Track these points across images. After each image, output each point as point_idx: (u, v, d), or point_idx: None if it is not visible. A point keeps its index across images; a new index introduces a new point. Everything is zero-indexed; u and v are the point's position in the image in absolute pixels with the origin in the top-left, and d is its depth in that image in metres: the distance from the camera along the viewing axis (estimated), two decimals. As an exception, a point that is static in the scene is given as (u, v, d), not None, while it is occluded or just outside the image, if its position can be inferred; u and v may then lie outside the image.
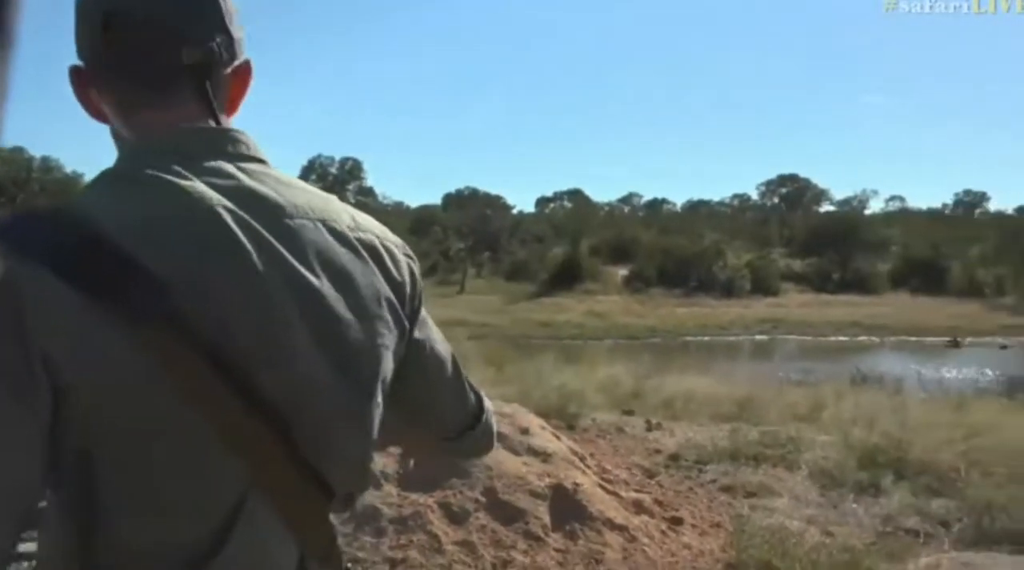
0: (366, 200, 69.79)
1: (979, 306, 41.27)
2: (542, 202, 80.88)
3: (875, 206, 78.59)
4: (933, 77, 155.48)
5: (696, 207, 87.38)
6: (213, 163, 0.87)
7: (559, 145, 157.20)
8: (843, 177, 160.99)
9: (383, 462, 3.72)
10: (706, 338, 36.18)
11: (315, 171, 69.61)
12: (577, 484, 3.94)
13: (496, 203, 66.31)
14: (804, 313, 42.24)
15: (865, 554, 4.13)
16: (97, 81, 0.91)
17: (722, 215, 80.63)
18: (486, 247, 52.98)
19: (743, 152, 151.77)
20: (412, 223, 64.77)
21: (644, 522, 3.99)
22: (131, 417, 0.79)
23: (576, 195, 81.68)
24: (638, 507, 4.16)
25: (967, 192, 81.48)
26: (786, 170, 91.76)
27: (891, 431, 5.91)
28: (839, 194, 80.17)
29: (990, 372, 21.54)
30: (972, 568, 4.21)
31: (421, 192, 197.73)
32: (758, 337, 37.27)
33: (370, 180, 79.95)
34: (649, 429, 6.23)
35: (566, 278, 46.58)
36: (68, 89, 0.94)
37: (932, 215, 72.84)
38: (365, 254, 0.92)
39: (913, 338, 35.79)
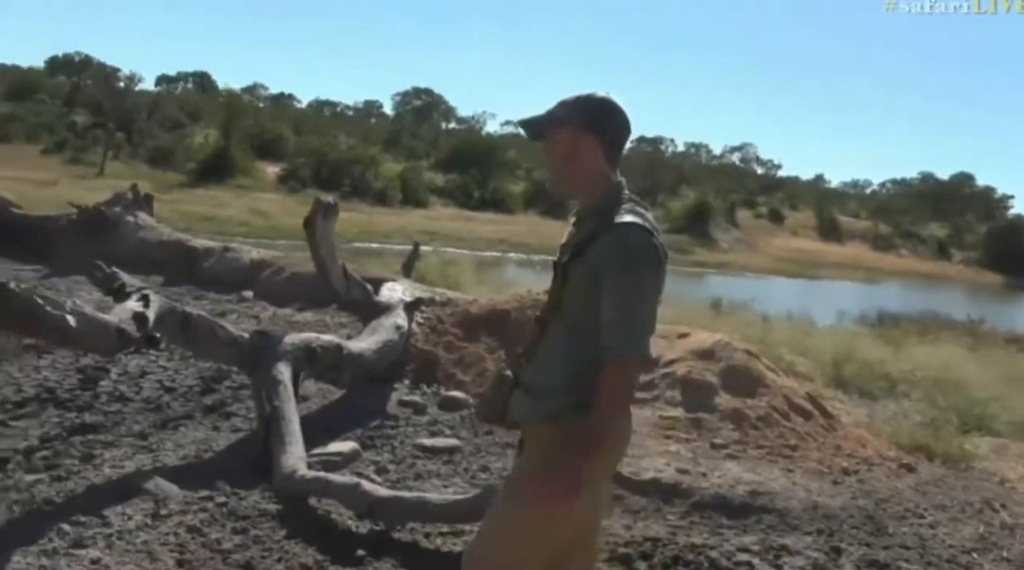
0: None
1: (595, 229, 47.39)
2: (164, 81, 74.30)
3: (491, 128, 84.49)
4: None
5: (322, 107, 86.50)
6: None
7: (186, 19, 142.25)
8: (468, 95, 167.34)
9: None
10: (374, 245, 37.20)
11: None
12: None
13: (116, 76, 59.72)
14: (455, 227, 45.03)
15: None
16: (606, 151, 2.25)
17: (348, 118, 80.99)
18: (117, 126, 47.84)
19: (376, 59, 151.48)
20: (10, 86, 56.08)
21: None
22: None
23: (202, 78, 76.31)
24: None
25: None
26: (420, 83, 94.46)
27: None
28: (463, 113, 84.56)
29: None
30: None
31: (16, 50, 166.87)
32: (423, 249, 39.03)
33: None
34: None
35: (217, 170, 44.13)
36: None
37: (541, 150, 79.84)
38: None
39: (553, 257, 40.26)
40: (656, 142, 75.26)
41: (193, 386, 5.57)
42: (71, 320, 3.22)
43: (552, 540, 2.22)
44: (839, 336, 10.76)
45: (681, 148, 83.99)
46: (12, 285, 3.19)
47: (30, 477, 3.91)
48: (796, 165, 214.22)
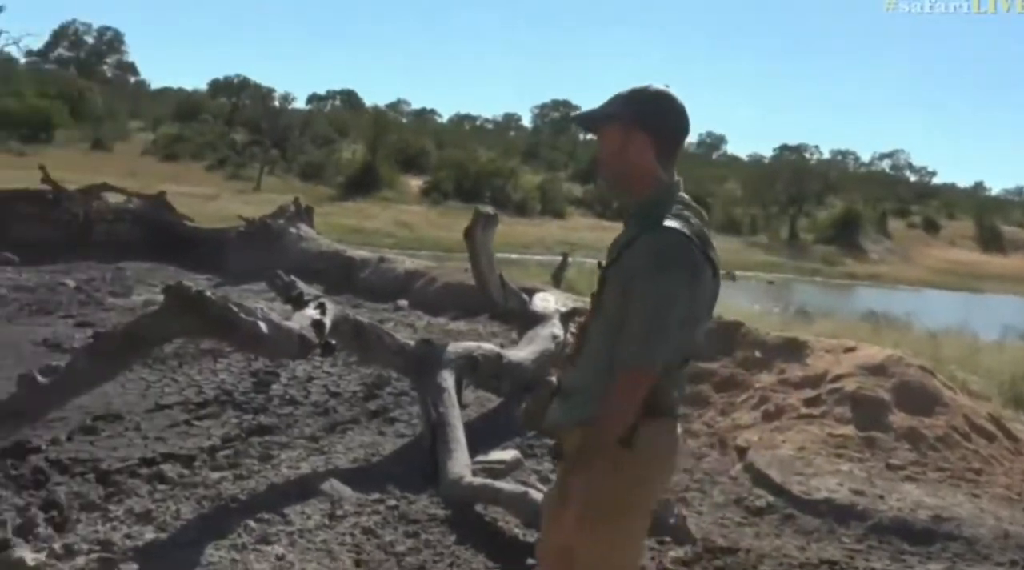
0: (127, 76, 63.10)
1: (739, 243, 46.44)
2: (314, 99, 77.93)
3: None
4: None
5: (462, 121, 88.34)
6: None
7: (334, 41, 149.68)
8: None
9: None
10: (513, 256, 37.65)
11: (67, 38, 61.46)
12: None
13: (271, 96, 62.82)
14: (593, 237, 44.97)
15: None
16: (658, 148, 2.10)
17: (488, 132, 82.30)
18: (273, 143, 50.39)
19: (515, 73, 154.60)
20: (177, 107, 59.89)
21: None
22: None
23: (349, 96, 79.51)
24: None
25: (709, 134, 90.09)
26: (559, 95, 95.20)
27: None
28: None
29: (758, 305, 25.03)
30: None
31: (182, 74, 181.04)
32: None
33: (132, 55, 72.02)
34: None
35: (364, 183, 45.80)
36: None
37: (685, 153, 79.16)
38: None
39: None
40: (800, 149, 72.81)
41: (356, 392, 5.77)
42: (263, 327, 3.40)
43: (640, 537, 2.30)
44: (1013, 352, 10.03)
45: (827, 155, 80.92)
46: (209, 293, 3.39)
47: (215, 474, 4.13)
48: (952, 172, 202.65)
